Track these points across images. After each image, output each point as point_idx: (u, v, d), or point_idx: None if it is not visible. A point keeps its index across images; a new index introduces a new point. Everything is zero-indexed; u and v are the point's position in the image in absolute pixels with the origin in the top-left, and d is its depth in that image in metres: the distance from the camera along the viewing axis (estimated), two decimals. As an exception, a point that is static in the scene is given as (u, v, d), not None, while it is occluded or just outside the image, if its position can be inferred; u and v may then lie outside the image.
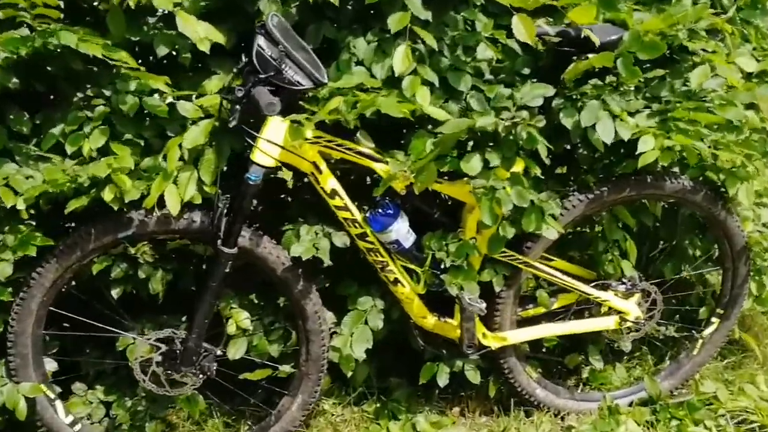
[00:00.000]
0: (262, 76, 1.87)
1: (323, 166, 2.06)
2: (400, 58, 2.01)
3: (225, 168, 2.04)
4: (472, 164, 1.99)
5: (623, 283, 2.41)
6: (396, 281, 2.21)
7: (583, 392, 2.62)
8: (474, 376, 2.41)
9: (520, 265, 2.26)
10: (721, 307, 2.58)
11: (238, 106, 1.90)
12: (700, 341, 2.61)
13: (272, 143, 1.95)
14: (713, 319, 2.60)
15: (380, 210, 2.11)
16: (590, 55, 2.03)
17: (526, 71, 2.19)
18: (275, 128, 1.96)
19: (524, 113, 1.99)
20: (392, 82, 2.06)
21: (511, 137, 2.00)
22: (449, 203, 2.29)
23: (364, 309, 2.27)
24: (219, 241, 2.00)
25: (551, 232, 2.13)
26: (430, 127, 2.11)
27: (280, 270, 2.12)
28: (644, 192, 2.29)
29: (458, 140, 2.00)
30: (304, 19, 2.11)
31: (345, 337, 2.23)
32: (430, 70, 2.07)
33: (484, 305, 2.19)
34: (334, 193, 2.09)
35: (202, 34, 1.97)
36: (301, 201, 2.32)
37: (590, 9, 2.01)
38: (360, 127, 2.06)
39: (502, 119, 1.97)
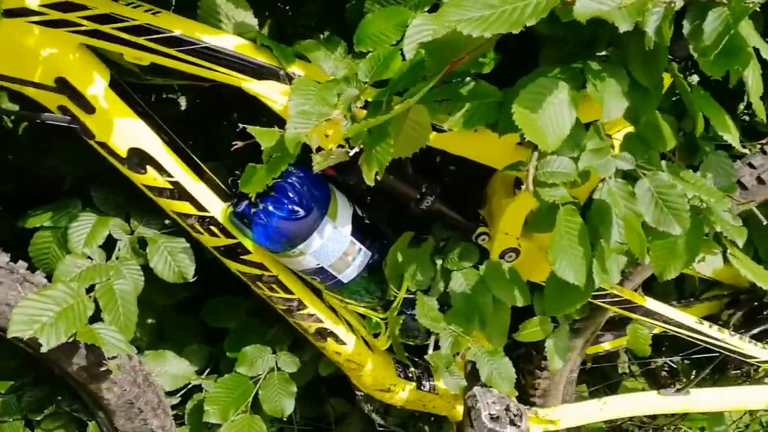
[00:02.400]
0: None
1: (94, 88, 0.71)
2: None
3: None
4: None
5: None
6: (324, 334, 0.95)
7: None
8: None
9: (608, 306, 0.99)
10: None
11: None
12: None
13: None
14: None
15: (273, 202, 0.79)
16: None
17: None
18: None
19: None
20: None
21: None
22: (455, 168, 0.93)
23: (255, 374, 1.03)
24: None
25: (715, 261, 0.84)
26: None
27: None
28: None
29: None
30: None
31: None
32: None
33: (525, 424, 0.92)
34: (137, 159, 0.76)
35: None
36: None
37: None
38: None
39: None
